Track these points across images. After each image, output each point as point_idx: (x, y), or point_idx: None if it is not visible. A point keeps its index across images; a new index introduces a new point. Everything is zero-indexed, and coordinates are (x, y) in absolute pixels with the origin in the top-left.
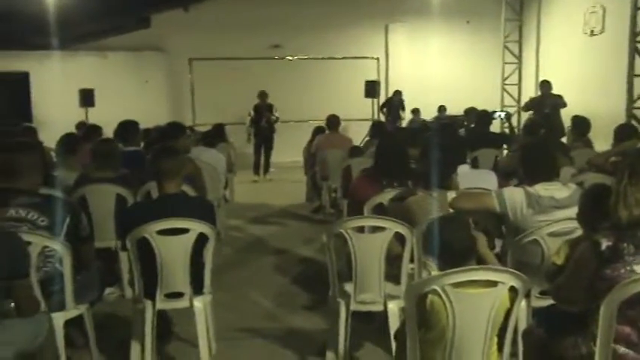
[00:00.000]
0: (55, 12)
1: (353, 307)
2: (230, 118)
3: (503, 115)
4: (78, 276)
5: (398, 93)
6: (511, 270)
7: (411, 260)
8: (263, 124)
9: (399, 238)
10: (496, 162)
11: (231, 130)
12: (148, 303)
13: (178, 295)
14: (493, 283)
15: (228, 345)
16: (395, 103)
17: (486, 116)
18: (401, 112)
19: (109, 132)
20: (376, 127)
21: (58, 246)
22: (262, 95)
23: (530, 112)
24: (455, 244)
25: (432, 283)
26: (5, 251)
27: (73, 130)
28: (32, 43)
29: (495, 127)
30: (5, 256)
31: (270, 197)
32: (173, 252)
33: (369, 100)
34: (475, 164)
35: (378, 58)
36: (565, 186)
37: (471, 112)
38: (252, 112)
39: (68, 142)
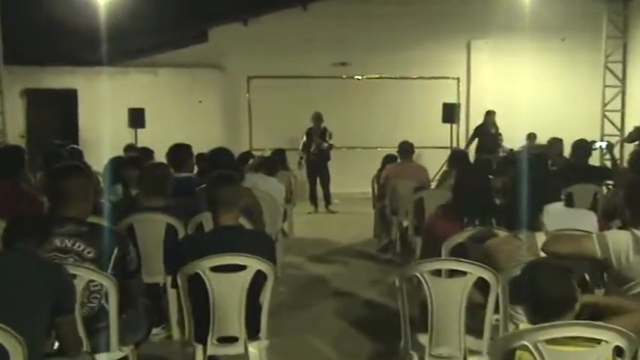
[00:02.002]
0: (106, 26)
1: None
2: (291, 143)
3: (604, 145)
4: (123, 314)
5: (491, 114)
6: (616, 327)
7: (496, 310)
8: (313, 151)
9: (482, 285)
10: (595, 200)
11: (291, 156)
12: (199, 347)
13: (232, 339)
14: (595, 341)
15: None
16: (486, 128)
17: (584, 146)
18: (500, 141)
19: (159, 156)
20: (455, 156)
21: (105, 280)
22: (316, 118)
23: (636, 142)
24: (552, 294)
25: (522, 338)
26: (50, 285)
27: (120, 152)
28: (81, 59)
29: (594, 159)
30: (51, 290)
31: (333, 232)
32: (228, 291)
33: (447, 125)
34: (569, 202)
35: (458, 79)
36: None
37: (554, 144)
38: (305, 137)
39: (117, 167)
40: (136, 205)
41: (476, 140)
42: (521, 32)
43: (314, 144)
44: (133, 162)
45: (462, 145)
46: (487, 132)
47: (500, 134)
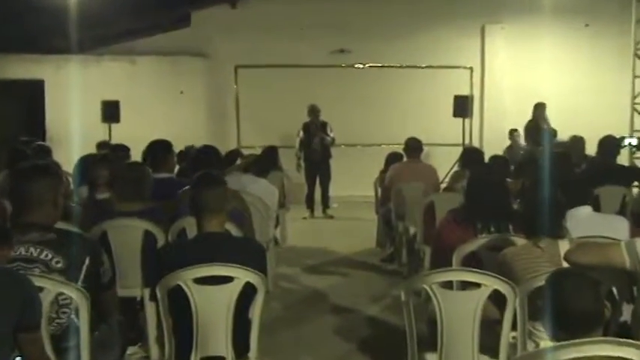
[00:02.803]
0: (77, 9)
1: None
2: (284, 140)
3: (633, 142)
4: (96, 331)
5: (540, 107)
6: None
7: (513, 327)
8: (314, 147)
9: (498, 298)
10: (624, 203)
11: (284, 155)
12: None
13: (218, 359)
14: None
15: None
16: (537, 125)
17: (612, 144)
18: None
19: (136, 154)
20: (468, 155)
21: (75, 294)
22: (313, 111)
23: None
24: (577, 308)
25: (543, 358)
26: (13, 298)
27: (93, 150)
28: (49, 46)
29: (623, 157)
30: (13, 305)
31: (331, 240)
32: (213, 305)
33: (459, 120)
34: (596, 205)
35: (470, 68)
36: None
37: (577, 142)
38: (302, 133)
39: (83, 166)
40: (110, 209)
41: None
42: (541, 16)
43: (316, 138)
44: (101, 161)
45: (476, 142)
46: (538, 129)
47: (554, 130)
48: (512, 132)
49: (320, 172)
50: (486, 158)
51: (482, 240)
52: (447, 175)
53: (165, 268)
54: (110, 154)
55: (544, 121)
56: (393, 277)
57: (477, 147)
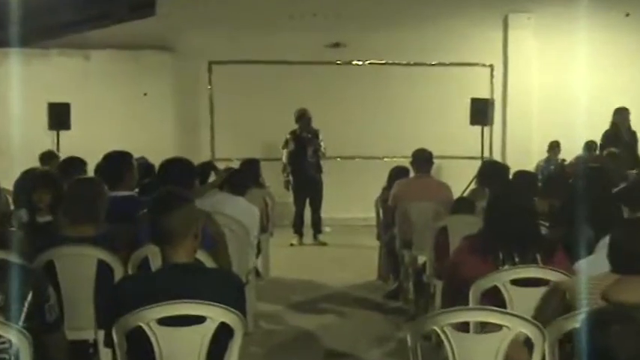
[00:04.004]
0: None
1: None
2: (266, 151)
3: None
4: None
5: (622, 113)
6: None
7: None
8: (310, 160)
9: (523, 342)
10: None
11: (267, 169)
12: None
13: None
14: None
15: None
16: (619, 134)
17: None
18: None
19: (89, 168)
20: (487, 170)
21: (15, 336)
22: (303, 116)
23: None
24: (624, 357)
25: None
26: None
27: (37, 163)
28: None
29: None
30: None
31: (323, 271)
32: (181, 351)
33: (477, 128)
34: None
35: (491, 66)
36: None
37: (614, 156)
38: (292, 143)
39: (23, 184)
40: (57, 234)
41: None
42: (575, 5)
43: (309, 149)
44: (43, 177)
45: (496, 155)
46: (620, 139)
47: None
48: (554, 145)
49: (311, 192)
50: (510, 174)
51: (505, 273)
52: (462, 194)
53: (124, 306)
54: (57, 168)
55: (626, 130)
56: (397, 316)
57: (498, 160)
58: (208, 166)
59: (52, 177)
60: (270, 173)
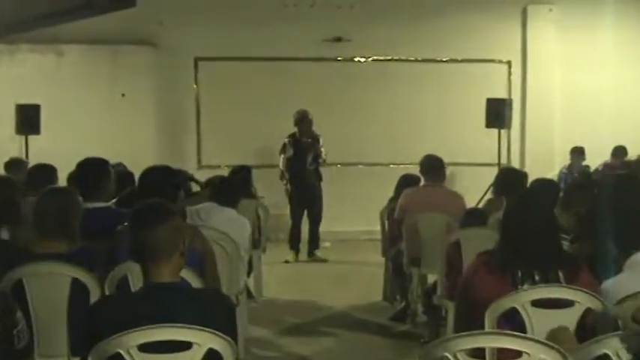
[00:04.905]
0: None
1: None
2: (259, 157)
3: None
4: None
5: None
6: None
7: None
8: (309, 167)
9: None
10: None
11: (260, 178)
12: None
13: None
14: None
15: None
16: None
17: None
18: None
19: (61, 177)
20: (505, 177)
21: None
22: (304, 119)
23: None
24: None
25: None
26: None
27: (1, 171)
28: None
29: None
30: None
31: (323, 291)
32: None
33: (493, 131)
34: None
35: (508, 63)
36: None
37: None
38: (290, 149)
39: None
40: (26, 251)
41: None
42: None
43: (309, 156)
44: (3, 185)
45: (515, 161)
46: None
47: None
48: (577, 151)
49: (310, 202)
50: (529, 182)
51: (525, 293)
52: (477, 205)
53: (101, 331)
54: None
55: None
56: (405, 341)
57: (516, 168)
58: (182, 176)
59: (12, 184)
60: (263, 182)
